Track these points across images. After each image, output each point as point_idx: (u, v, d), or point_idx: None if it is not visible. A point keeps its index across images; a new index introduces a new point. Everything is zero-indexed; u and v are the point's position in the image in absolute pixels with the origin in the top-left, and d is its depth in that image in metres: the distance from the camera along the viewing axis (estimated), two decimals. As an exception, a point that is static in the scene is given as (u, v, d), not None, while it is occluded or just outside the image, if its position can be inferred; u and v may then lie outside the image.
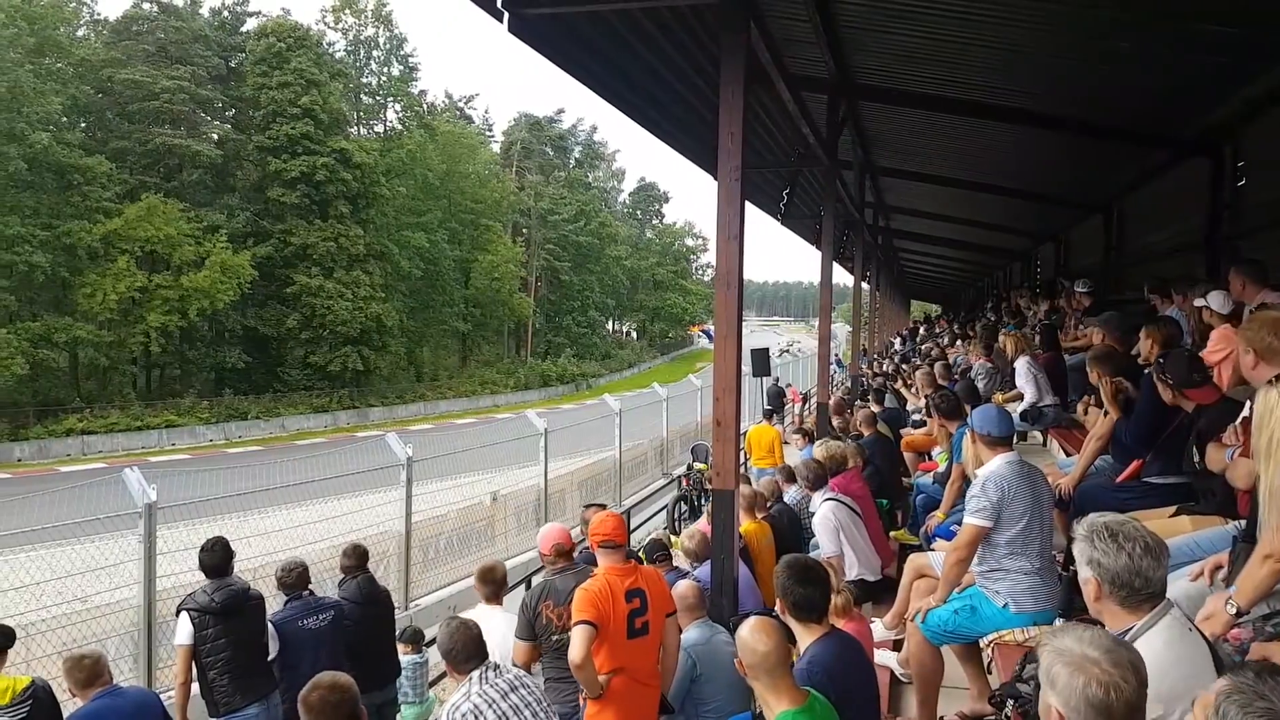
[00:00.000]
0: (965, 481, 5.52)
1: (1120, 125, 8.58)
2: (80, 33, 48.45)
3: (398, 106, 66.28)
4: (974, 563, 4.09)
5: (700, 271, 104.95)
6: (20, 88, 38.24)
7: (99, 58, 46.04)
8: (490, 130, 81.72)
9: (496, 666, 3.50)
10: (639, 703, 3.92)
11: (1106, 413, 4.90)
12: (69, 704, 4.32)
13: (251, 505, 11.40)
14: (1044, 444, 9.09)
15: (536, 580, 4.96)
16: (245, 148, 50.97)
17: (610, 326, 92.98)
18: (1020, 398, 7.94)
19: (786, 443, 11.89)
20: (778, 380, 22.26)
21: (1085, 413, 6.61)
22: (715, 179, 5.40)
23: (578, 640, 3.71)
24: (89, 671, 4.22)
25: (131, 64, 46.37)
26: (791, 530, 6.28)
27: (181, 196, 46.28)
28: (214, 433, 43.40)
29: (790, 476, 6.99)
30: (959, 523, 4.50)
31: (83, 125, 46.33)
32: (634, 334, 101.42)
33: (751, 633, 2.83)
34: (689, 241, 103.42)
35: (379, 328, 52.92)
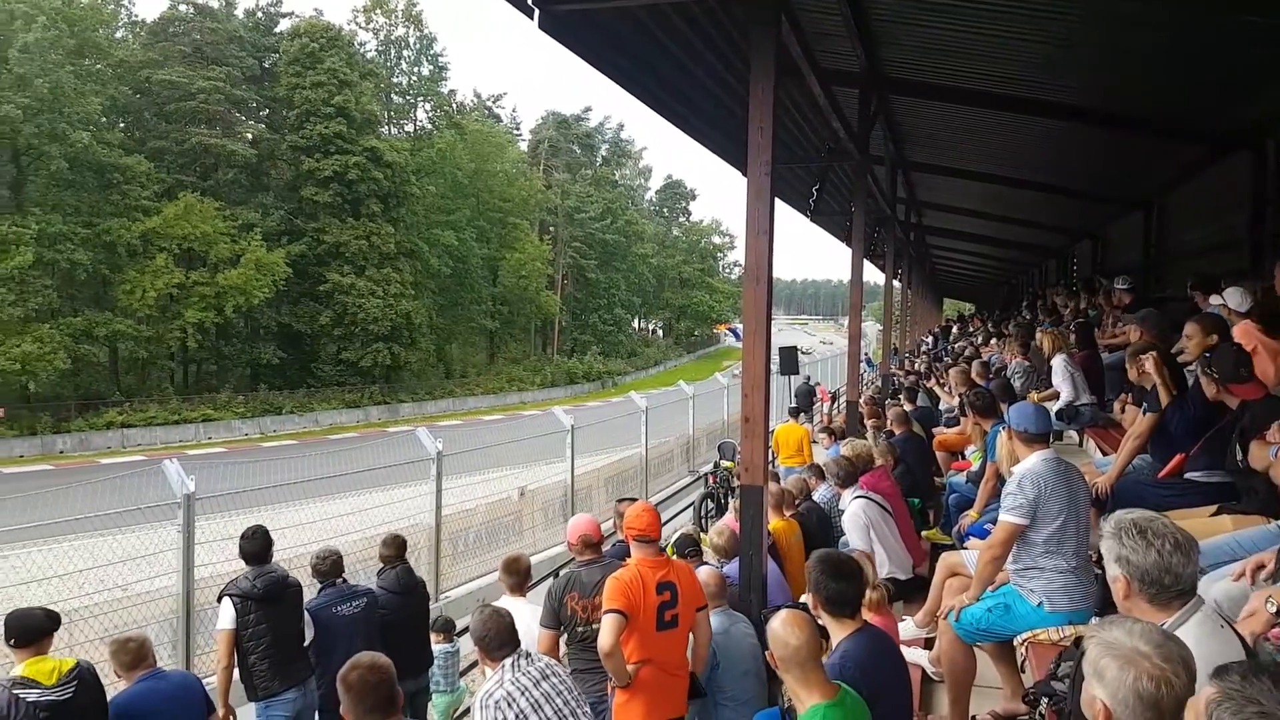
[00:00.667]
0: (999, 480, 5.46)
1: (1161, 120, 8.43)
2: (119, 34, 49.29)
3: (428, 106, 66.89)
4: (1008, 561, 4.05)
5: (727, 270, 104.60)
6: (61, 88, 39.09)
7: (137, 59, 46.93)
8: (518, 129, 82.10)
9: (528, 655, 3.53)
10: (667, 692, 3.94)
11: (1146, 411, 4.82)
12: (112, 686, 4.40)
13: (286, 498, 11.58)
14: (1080, 444, 8.96)
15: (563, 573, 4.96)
16: (279, 147, 51.70)
17: (636, 324, 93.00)
18: (1056, 396, 7.83)
19: (815, 441, 11.81)
20: (809, 379, 22.08)
21: (1123, 411, 6.51)
22: (744, 175, 5.38)
23: (607, 629, 3.73)
24: (134, 654, 4.31)
25: (169, 65, 47.19)
26: (820, 528, 6.25)
27: (218, 195, 47.11)
28: (249, 427, 44.14)
29: (820, 475, 6.95)
30: (993, 521, 4.45)
31: (121, 125, 47.14)
32: (660, 332, 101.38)
33: (783, 626, 2.82)
34: (716, 239, 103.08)
35: (409, 325, 53.48)
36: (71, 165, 40.25)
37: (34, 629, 4.09)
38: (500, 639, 3.47)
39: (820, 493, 6.79)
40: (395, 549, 6.03)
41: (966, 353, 14.54)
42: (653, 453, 16.16)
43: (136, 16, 51.95)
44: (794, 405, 15.52)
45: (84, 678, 4.09)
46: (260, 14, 56.18)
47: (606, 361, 73.35)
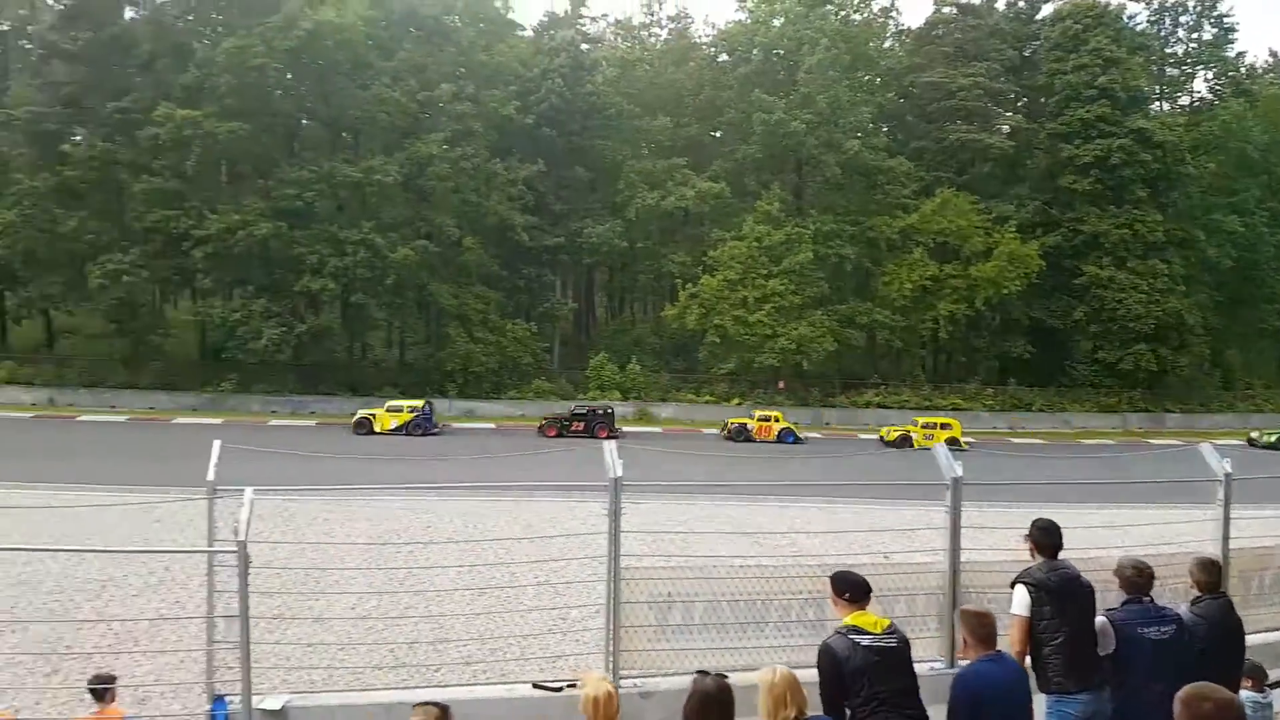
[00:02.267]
0: None
1: None
2: (886, 44, 54.78)
3: (1208, 74, 58.18)
4: None
5: None
6: (838, 101, 45.54)
7: (902, 65, 51.80)
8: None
9: None
10: None
11: None
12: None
13: (1031, 497, 11.34)
14: None
15: None
16: (1036, 136, 51.16)
17: None
18: None
19: None
20: None
21: None
22: None
23: None
24: (988, 629, 4.57)
25: (930, 67, 50.66)
26: None
27: (972, 189, 48.59)
28: (997, 420, 45.31)
29: None
30: None
31: (885, 129, 52.59)
32: None
33: None
34: None
35: (1178, 324, 47.39)
36: (842, 170, 46.53)
37: (861, 586, 4.63)
38: None
39: None
40: (1213, 575, 5.36)
41: None
42: None
43: (902, 25, 57.15)
44: None
45: (899, 633, 4.52)
46: (1022, 3, 56.25)
47: None
